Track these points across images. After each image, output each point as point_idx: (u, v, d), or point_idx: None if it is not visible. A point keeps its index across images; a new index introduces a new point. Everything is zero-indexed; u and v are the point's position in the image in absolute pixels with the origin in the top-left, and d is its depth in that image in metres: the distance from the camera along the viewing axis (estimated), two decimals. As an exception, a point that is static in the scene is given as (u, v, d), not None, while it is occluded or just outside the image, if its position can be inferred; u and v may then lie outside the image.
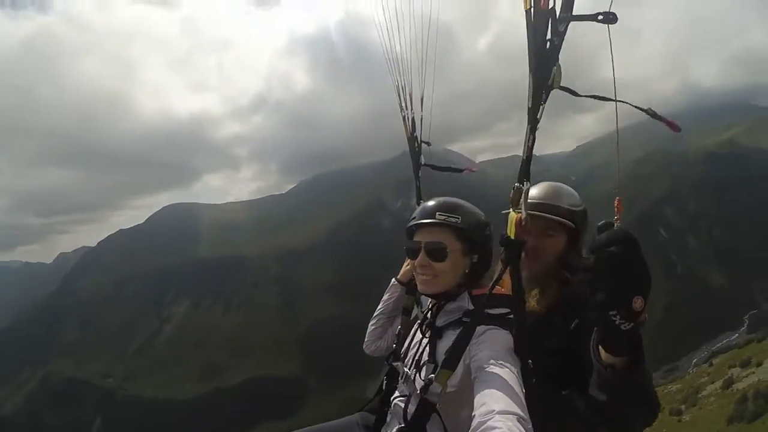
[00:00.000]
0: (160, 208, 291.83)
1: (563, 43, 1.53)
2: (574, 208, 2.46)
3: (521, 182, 1.75)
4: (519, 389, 1.68)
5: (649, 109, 1.49)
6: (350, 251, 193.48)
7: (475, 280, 2.27)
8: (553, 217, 2.38)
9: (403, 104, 3.15)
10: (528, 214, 1.76)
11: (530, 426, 1.51)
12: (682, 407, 46.16)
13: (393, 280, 3.00)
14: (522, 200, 1.74)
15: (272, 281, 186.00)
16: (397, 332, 2.70)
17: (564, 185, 2.54)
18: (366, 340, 2.95)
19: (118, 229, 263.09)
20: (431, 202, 2.26)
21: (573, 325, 2.22)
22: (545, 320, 2.30)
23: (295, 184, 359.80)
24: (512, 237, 1.81)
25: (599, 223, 1.42)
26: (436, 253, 2.18)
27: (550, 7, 1.49)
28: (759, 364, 46.04)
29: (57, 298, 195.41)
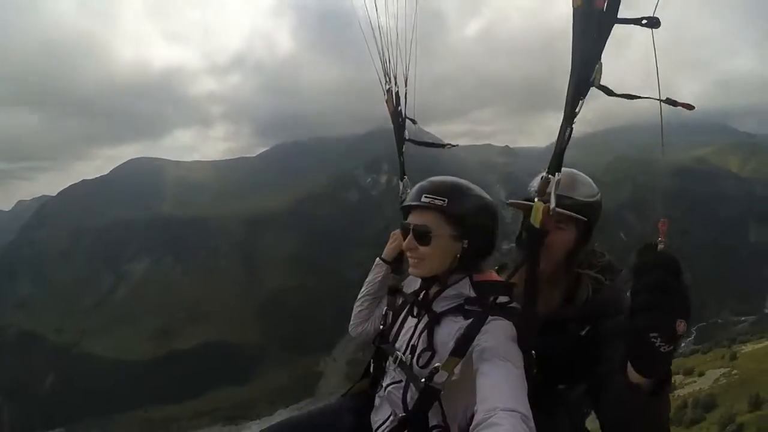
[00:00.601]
0: (126, 160, 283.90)
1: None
2: (588, 199, 2.33)
3: (552, 173, 1.72)
4: (522, 385, 1.67)
5: (668, 98, 1.49)
6: (316, 223, 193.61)
7: (469, 265, 2.19)
8: (565, 212, 2.21)
9: (386, 77, 3.06)
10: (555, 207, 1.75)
11: (533, 424, 1.51)
12: None
13: (378, 259, 2.95)
14: (552, 190, 1.72)
15: (235, 246, 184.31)
16: (384, 313, 2.65)
17: (580, 173, 2.43)
18: (351, 322, 2.92)
19: (81, 179, 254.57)
20: (424, 183, 2.22)
21: (584, 332, 2.19)
22: (555, 319, 2.25)
23: (266, 149, 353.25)
24: (537, 225, 1.78)
25: (640, 246, 1.42)
26: (422, 237, 2.12)
27: (604, 5, 1.49)
28: (701, 374, 47.61)
29: (14, 248, 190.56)
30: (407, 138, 3.07)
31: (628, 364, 1.46)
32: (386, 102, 3.03)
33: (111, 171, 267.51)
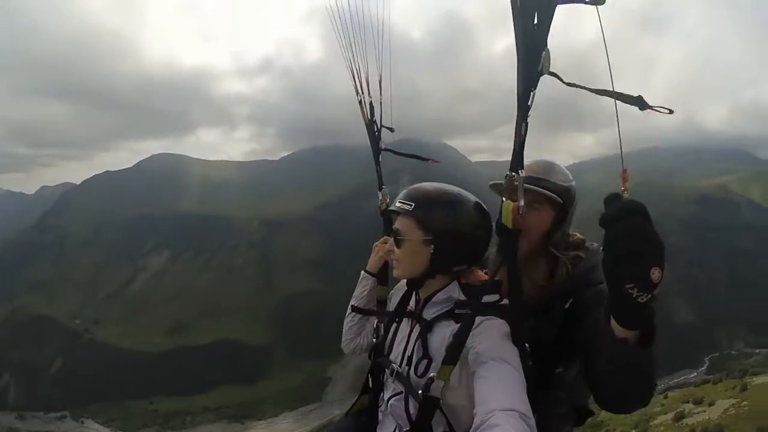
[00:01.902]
0: (150, 155, 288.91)
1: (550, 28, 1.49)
2: (562, 183, 2.33)
3: (515, 171, 1.71)
4: (520, 384, 1.67)
5: (639, 96, 1.41)
6: (334, 230, 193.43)
7: (442, 270, 2.14)
8: (540, 189, 2.22)
9: (359, 88, 2.99)
10: (524, 205, 1.73)
11: (533, 422, 1.51)
12: (632, 431, 47.93)
13: (363, 272, 2.89)
14: (519, 188, 1.70)
15: (252, 247, 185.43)
16: (375, 326, 2.60)
17: (556, 162, 2.43)
18: (343, 339, 2.84)
19: (104, 170, 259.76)
20: (405, 189, 2.19)
21: (568, 304, 2.19)
22: (538, 300, 2.24)
23: (289, 152, 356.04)
24: (509, 226, 1.76)
25: (606, 196, 1.37)
26: (396, 240, 2.15)
27: None
28: (711, 404, 47.07)
29: (35, 232, 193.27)
30: (384, 148, 3.05)
31: (611, 319, 1.46)
32: (362, 114, 3.01)
33: (135, 164, 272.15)
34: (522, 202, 1.71)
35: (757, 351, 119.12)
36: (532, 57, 1.51)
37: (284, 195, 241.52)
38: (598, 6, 1.39)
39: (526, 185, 2.03)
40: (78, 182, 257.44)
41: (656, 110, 1.41)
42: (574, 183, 2.40)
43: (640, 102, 1.41)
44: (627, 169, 1.41)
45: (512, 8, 1.50)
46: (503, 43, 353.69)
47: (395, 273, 2.24)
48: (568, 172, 2.41)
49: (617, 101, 1.42)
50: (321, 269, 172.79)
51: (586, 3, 1.40)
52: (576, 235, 2.42)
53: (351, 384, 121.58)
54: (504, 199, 1.78)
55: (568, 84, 1.52)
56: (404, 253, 2.13)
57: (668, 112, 1.42)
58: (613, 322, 1.45)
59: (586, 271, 2.25)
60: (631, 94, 1.40)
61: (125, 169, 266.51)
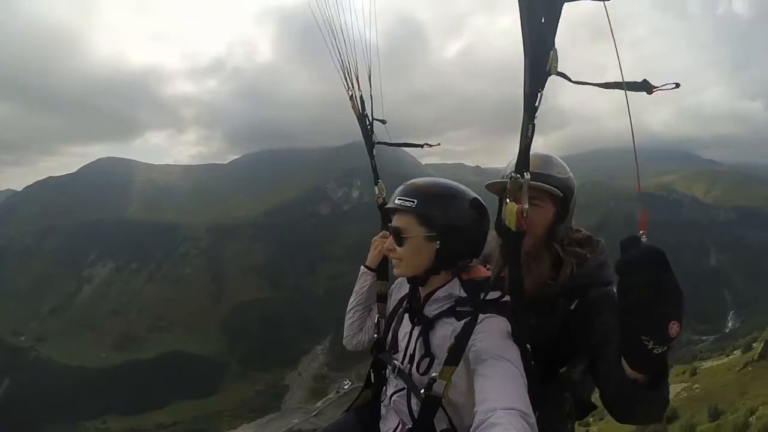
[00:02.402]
0: (95, 159, 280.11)
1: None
2: (561, 176, 2.28)
3: (519, 173, 1.65)
4: (520, 382, 1.66)
5: (644, 80, 1.38)
6: (285, 235, 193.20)
7: (449, 265, 2.15)
8: (541, 185, 2.15)
9: (348, 82, 3.00)
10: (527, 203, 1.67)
11: (533, 420, 1.50)
12: (591, 419, 51.99)
13: (362, 267, 2.88)
14: (524, 191, 1.65)
15: (200, 254, 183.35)
16: (376, 321, 2.67)
17: (553, 156, 2.36)
18: (345, 335, 2.87)
19: (47, 176, 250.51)
20: (402, 186, 2.20)
21: (574, 305, 2.15)
22: (542, 298, 2.19)
23: (238, 156, 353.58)
24: (513, 228, 1.68)
25: (623, 240, 1.31)
26: (397, 238, 2.13)
27: None
28: None
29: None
30: (377, 141, 3.06)
31: (622, 359, 1.43)
32: (352, 108, 3.04)
33: (79, 169, 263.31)
34: (526, 205, 1.66)
35: (704, 338, 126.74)
36: (540, 57, 1.48)
37: (232, 200, 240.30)
38: (605, 1, 1.37)
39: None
40: (20, 189, 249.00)
41: (663, 89, 1.38)
42: (572, 175, 2.38)
43: (647, 86, 1.39)
44: (647, 212, 1.39)
45: (520, 8, 1.48)
46: (455, 48, 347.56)
47: (397, 272, 2.23)
48: (565, 164, 2.38)
49: (625, 93, 1.40)
50: (272, 276, 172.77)
51: (592, 0, 1.39)
52: (581, 231, 2.40)
53: (309, 391, 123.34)
54: (507, 200, 1.70)
55: (576, 82, 1.52)
56: (407, 251, 2.11)
57: (675, 86, 1.37)
58: (623, 362, 1.43)
59: (593, 270, 2.21)
60: (636, 80, 1.38)
61: (69, 174, 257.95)
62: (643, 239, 1.31)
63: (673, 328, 1.22)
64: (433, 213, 2.05)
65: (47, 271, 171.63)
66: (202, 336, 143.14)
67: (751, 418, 31.77)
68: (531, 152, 2.17)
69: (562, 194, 2.22)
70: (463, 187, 2.19)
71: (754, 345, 44.09)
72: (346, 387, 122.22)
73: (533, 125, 1.58)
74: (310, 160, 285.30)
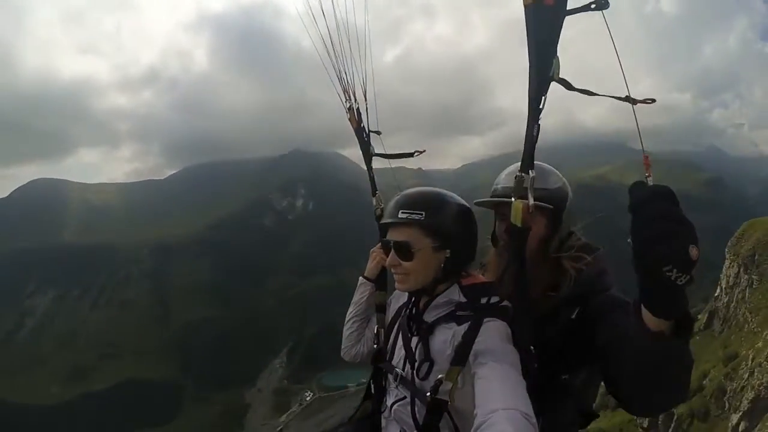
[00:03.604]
0: (26, 182, 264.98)
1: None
2: (550, 187, 2.31)
3: (525, 171, 1.75)
4: (520, 384, 1.66)
5: (627, 96, 1.50)
6: (230, 250, 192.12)
7: (454, 273, 2.17)
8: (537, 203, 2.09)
9: (346, 95, 3.00)
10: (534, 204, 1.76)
11: (534, 421, 1.49)
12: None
13: (360, 278, 2.87)
14: (529, 188, 1.74)
15: (144, 276, 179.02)
16: (375, 332, 2.63)
17: (545, 165, 2.39)
18: (343, 346, 2.84)
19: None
20: (399, 198, 2.18)
21: (575, 314, 2.15)
22: (544, 308, 2.19)
23: (176, 171, 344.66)
24: (519, 224, 1.77)
25: (632, 184, 1.35)
26: (404, 253, 2.10)
27: (553, 2, 1.53)
28: None
29: None
30: (374, 153, 3.09)
31: (643, 312, 1.40)
32: (349, 120, 3.07)
33: (10, 193, 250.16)
34: (531, 201, 1.74)
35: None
36: (544, 64, 1.59)
37: (173, 217, 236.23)
38: (603, 11, 1.46)
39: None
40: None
41: (643, 103, 1.54)
42: (564, 182, 2.41)
43: (630, 100, 1.53)
44: (649, 156, 1.43)
45: (526, 20, 1.58)
46: (392, 54, 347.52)
47: (403, 287, 2.21)
48: (554, 170, 2.42)
49: (630, 104, 1.55)
50: (220, 292, 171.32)
51: (591, 10, 1.48)
52: (580, 238, 2.42)
53: (271, 407, 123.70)
54: (513, 198, 1.80)
55: (577, 90, 1.61)
56: (417, 264, 2.10)
57: (651, 102, 1.53)
58: (646, 316, 1.40)
59: (594, 278, 2.22)
60: (620, 96, 1.51)
61: None
62: (649, 180, 1.38)
63: (693, 251, 1.21)
64: (440, 222, 2.08)
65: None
66: (155, 361, 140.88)
67: (704, 381, 37.15)
68: (517, 165, 2.40)
69: (551, 206, 2.26)
70: (450, 193, 2.25)
71: (699, 316, 47.20)
72: (308, 398, 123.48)
73: (538, 126, 1.70)
74: (251, 171, 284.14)
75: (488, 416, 1.49)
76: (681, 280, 1.22)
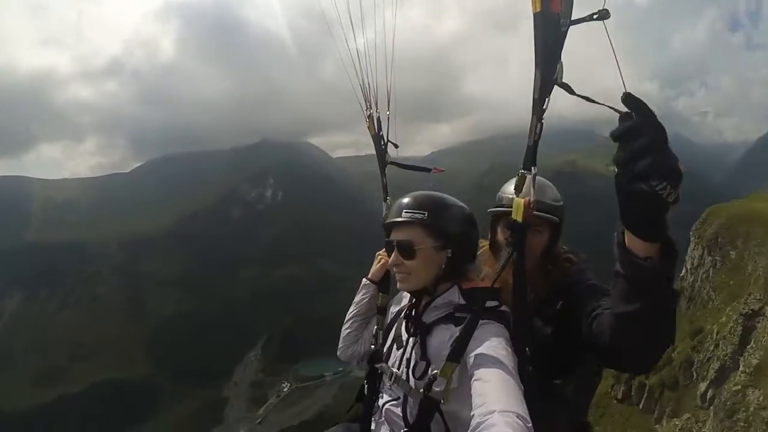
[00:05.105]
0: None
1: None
2: (556, 203, 2.48)
3: (527, 169, 1.80)
4: (517, 386, 1.67)
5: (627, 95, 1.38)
6: (200, 243, 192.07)
7: (455, 274, 2.22)
8: (542, 214, 2.35)
9: (367, 104, 3.09)
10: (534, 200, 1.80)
11: (530, 424, 1.49)
12: None
13: (364, 279, 2.95)
14: (531, 186, 1.79)
15: (114, 272, 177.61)
16: (374, 333, 2.66)
17: (545, 180, 2.53)
18: (340, 345, 2.88)
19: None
20: (403, 199, 2.25)
21: (559, 306, 2.27)
22: (535, 311, 2.31)
23: (141, 163, 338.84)
24: (520, 220, 1.81)
25: (624, 93, 1.34)
26: (406, 251, 2.16)
27: (560, 10, 1.57)
28: None
29: None
30: (389, 161, 3.14)
31: (630, 240, 1.45)
32: (368, 128, 3.14)
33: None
34: (533, 197, 1.79)
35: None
36: (549, 68, 1.63)
37: (140, 211, 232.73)
38: (605, 21, 1.50)
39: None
40: None
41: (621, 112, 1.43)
42: (562, 201, 2.60)
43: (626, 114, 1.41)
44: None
45: (534, 27, 1.62)
46: (360, 40, 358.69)
47: (405, 286, 2.26)
48: (554, 187, 2.61)
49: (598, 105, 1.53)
50: (192, 286, 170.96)
51: (594, 19, 1.51)
52: (565, 247, 2.61)
53: (249, 399, 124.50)
54: (514, 196, 1.84)
55: (578, 95, 1.63)
56: (418, 263, 2.16)
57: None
58: (634, 243, 1.44)
59: (575, 273, 2.41)
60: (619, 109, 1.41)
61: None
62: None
63: (680, 165, 1.25)
64: (442, 222, 2.15)
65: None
66: (129, 359, 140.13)
67: (673, 354, 39.40)
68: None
69: (558, 220, 2.49)
70: (450, 196, 2.31)
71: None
72: (285, 390, 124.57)
73: (541, 124, 1.75)
74: (218, 161, 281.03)
75: (486, 417, 1.50)
76: (672, 197, 1.25)
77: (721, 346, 35.16)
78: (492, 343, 1.84)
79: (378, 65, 2.91)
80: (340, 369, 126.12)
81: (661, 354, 1.68)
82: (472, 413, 1.59)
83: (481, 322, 1.92)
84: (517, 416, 1.48)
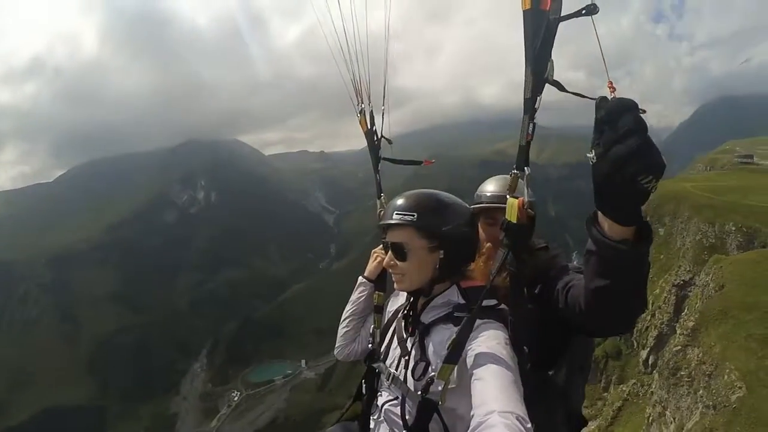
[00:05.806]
0: None
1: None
2: (531, 199, 2.21)
3: (520, 168, 1.82)
4: (517, 386, 1.66)
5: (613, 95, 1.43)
6: (133, 251, 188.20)
7: (452, 273, 2.21)
8: (502, 206, 2.14)
9: (358, 98, 3.03)
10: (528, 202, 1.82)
11: (529, 425, 1.49)
12: None
13: (360, 278, 2.94)
14: (525, 186, 1.82)
15: (45, 291, 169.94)
16: (371, 332, 2.65)
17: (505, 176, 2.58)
18: (337, 345, 2.88)
19: None
20: (397, 200, 2.22)
21: (537, 290, 2.29)
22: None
23: (65, 170, 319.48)
24: (514, 221, 1.80)
25: (598, 98, 1.38)
26: (399, 253, 2.14)
27: (549, 8, 1.56)
28: None
29: None
30: (382, 157, 3.15)
31: (607, 224, 1.47)
32: (360, 123, 3.10)
33: None
34: (527, 198, 1.81)
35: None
36: (540, 66, 1.62)
37: (68, 222, 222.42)
38: (593, 16, 1.49)
39: (500, 205, 2.21)
40: None
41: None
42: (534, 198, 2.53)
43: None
44: (611, 81, 1.47)
45: (524, 26, 1.61)
46: (295, 31, 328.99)
47: (400, 287, 2.25)
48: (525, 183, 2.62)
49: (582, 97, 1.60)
50: (128, 300, 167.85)
51: (582, 15, 1.51)
52: (539, 240, 2.64)
53: (200, 412, 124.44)
54: (508, 196, 1.85)
55: (569, 92, 1.66)
56: (412, 264, 2.14)
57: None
58: (611, 227, 1.46)
59: (548, 260, 2.47)
60: (591, 96, 1.48)
61: None
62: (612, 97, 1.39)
63: (663, 159, 1.27)
64: (433, 224, 2.11)
65: None
66: (71, 383, 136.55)
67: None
68: (498, 177, 2.89)
69: (533, 212, 2.33)
70: (450, 195, 2.28)
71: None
72: (236, 399, 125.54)
73: (534, 124, 1.75)
74: (146, 164, 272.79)
75: (485, 417, 1.50)
76: (652, 185, 1.29)
77: (657, 315, 38.57)
78: (492, 343, 1.84)
79: (362, 59, 2.92)
80: (289, 372, 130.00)
81: (635, 320, 1.80)
82: (471, 413, 1.60)
83: (479, 321, 1.93)
84: (516, 417, 1.48)
